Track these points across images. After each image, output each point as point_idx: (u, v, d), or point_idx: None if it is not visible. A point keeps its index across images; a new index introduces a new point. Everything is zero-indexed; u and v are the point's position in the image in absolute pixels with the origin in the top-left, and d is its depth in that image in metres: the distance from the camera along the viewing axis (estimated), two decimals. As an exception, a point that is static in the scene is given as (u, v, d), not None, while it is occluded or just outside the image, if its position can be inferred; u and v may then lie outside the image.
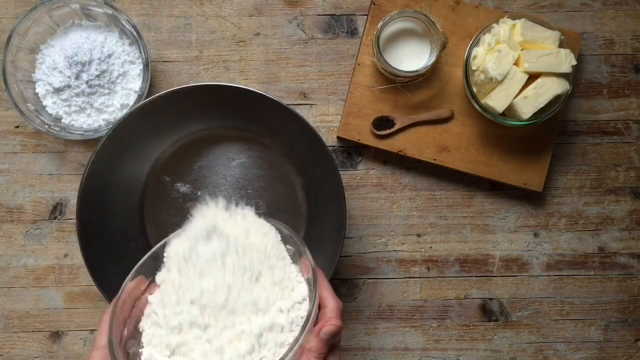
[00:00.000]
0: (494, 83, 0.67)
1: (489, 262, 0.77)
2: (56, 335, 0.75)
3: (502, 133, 0.74)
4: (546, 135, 0.75)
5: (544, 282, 0.77)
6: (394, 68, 0.69)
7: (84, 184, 0.63)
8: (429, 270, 0.77)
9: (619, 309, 0.77)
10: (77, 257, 0.75)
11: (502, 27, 0.68)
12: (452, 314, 0.77)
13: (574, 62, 0.67)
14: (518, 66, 0.67)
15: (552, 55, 0.67)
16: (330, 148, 0.71)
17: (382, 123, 0.74)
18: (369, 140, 0.74)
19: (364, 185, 0.76)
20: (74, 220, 0.64)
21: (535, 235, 0.77)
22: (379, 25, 0.69)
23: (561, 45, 0.68)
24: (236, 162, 0.72)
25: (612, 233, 0.77)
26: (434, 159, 0.74)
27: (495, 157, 0.75)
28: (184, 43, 0.76)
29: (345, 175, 0.76)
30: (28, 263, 0.75)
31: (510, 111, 0.69)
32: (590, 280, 0.77)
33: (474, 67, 0.69)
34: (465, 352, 0.77)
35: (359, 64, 0.74)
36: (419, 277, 0.77)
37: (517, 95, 0.67)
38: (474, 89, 0.69)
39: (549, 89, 0.67)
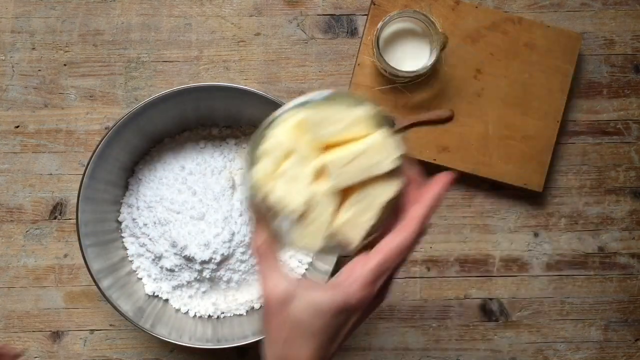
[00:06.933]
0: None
1: (489, 262, 0.77)
2: (56, 335, 0.75)
3: (502, 133, 0.74)
4: (546, 135, 0.75)
5: (544, 282, 0.77)
6: (394, 68, 0.69)
7: (84, 184, 0.63)
8: (429, 270, 0.77)
9: (619, 309, 0.77)
10: (77, 257, 0.75)
11: (281, 131, 0.42)
12: (452, 314, 0.77)
13: (401, 151, 0.42)
14: (321, 183, 0.42)
15: (365, 154, 0.42)
16: (330, 148, 0.71)
17: (382, 123, 0.74)
18: (369, 140, 0.74)
19: (364, 185, 0.76)
20: (74, 220, 0.64)
21: (535, 235, 0.77)
22: (379, 25, 0.69)
23: (381, 121, 0.42)
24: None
25: (612, 233, 0.77)
26: (434, 159, 0.74)
27: (495, 157, 0.75)
28: (184, 43, 0.76)
29: (345, 175, 0.76)
30: (28, 263, 0.75)
31: (333, 240, 0.44)
32: (590, 280, 0.77)
33: (259, 195, 0.42)
34: (465, 352, 0.77)
35: (359, 64, 0.74)
36: (419, 277, 0.77)
37: (332, 224, 0.43)
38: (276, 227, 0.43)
39: (374, 199, 0.43)
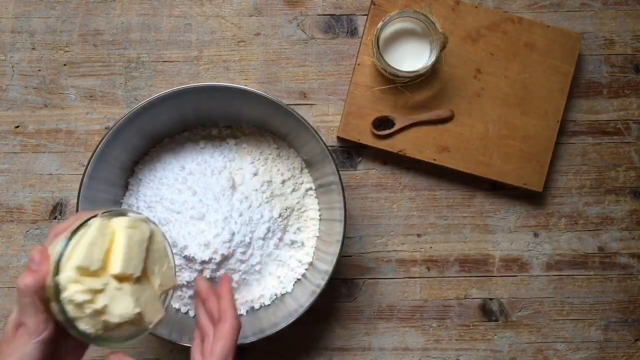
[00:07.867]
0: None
1: (489, 262, 0.77)
2: (56, 335, 0.75)
3: (502, 133, 0.74)
4: (546, 135, 0.75)
5: (544, 282, 0.77)
6: (393, 68, 0.69)
7: (84, 184, 0.63)
8: (429, 270, 0.77)
9: (619, 309, 0.77)
10: (77, 257, 0.75)
11: (68, 282, 0.47)
12: (452, 314, 0.77)
13: (139, 213, 0.53)
14: (126, 283, 0.49)
15: (130, 242, 0.49)
16: (330, 148, 0.71)
17: (382, 123, 0.74)
18: (369, 140, 0.74)
19: (364, 185, 0.76)
20: (74, 220, 0.64)
21: (535, 235, 0.77)
22: (379, 25, 0.69)
23: (115, 213, 0.50)
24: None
25: (612, 233, 0.77)
26: (434, 159, 0.74)
27: (495, 157, 0.75)
28: (184, 43, 0.76)
29: (345, 175, 0.76)
30: (28, 263, 0.75)
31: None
32: (590, 280, 0.77)
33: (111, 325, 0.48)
34: (465, 352, 0.77)
35: (359, 64, 0.74)
36: (419, 277, 0.77)
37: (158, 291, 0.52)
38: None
39: (160, 256, 0.52)
